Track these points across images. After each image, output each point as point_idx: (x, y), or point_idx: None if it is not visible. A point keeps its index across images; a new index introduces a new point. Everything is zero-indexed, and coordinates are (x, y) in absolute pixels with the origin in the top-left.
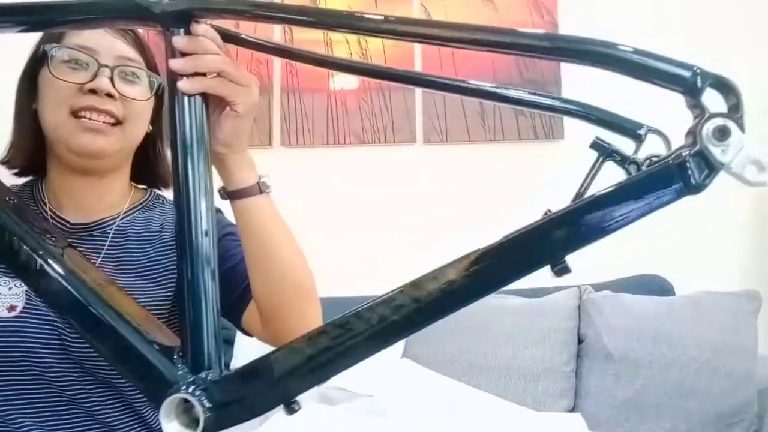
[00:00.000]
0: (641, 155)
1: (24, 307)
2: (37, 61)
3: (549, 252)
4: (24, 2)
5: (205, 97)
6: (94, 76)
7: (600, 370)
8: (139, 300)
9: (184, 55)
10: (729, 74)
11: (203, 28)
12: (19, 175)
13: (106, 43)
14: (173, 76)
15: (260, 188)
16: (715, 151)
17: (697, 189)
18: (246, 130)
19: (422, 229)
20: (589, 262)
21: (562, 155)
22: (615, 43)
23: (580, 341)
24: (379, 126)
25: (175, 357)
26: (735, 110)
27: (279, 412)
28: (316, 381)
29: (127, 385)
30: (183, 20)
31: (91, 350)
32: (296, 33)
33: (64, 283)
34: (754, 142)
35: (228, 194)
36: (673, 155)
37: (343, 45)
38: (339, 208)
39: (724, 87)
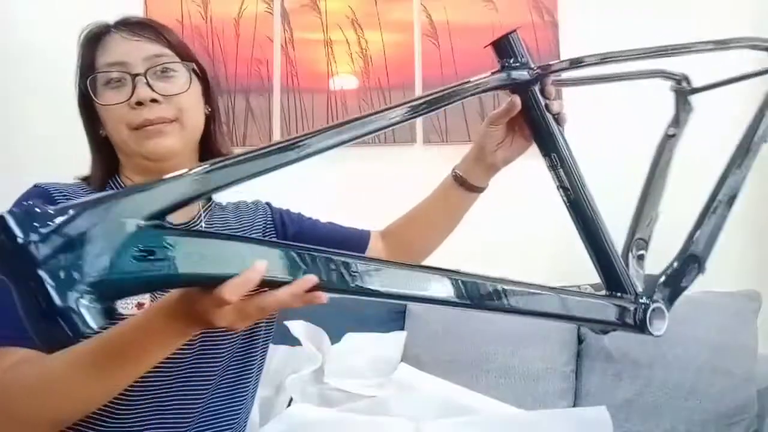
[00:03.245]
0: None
1: (150, 303)
2: (86, 96)
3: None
4: None
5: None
6: (134, 88)
7: (600, 370)
8: None
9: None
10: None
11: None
12: (98, 190)
13: (132, 49)
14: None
15: (485, 189)
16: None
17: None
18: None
19: None
20: (589, 262)
21: None
22: None
23: (580, 341)
24: None
25: (611, 294)
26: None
27: (279, 414)
28: None
29: (230, 375)
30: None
31: (218, 339)
32: (296, 33)
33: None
34: None
35: (467, 185)
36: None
37: (343, 45)
38: (339, 208)
39: None
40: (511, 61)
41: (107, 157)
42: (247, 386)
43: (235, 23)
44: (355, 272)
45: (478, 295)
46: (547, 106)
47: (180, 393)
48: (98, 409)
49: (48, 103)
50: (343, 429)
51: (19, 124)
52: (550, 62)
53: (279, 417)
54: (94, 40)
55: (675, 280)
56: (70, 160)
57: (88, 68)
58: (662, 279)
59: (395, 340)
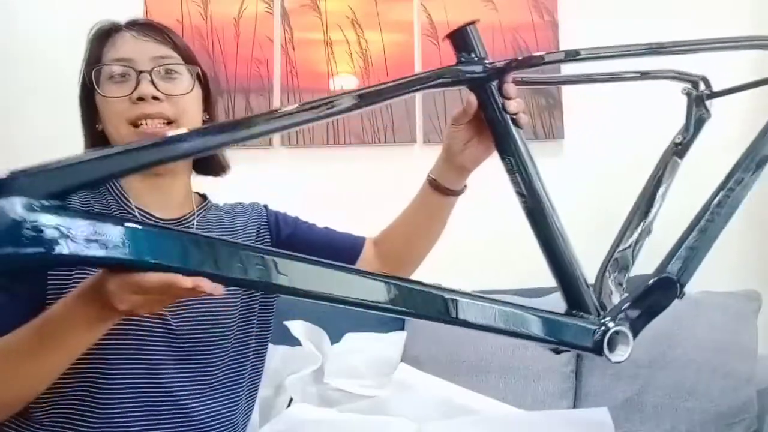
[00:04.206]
0: None
1: None
2: (88, 87)
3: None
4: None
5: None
6: (137, 84)
7: (600, 370)
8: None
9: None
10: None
11: (510, 79)
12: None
13: (140, 48)
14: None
15: (464, 190)
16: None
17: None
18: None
19: None
20: (589, 262)
21: (562, 155)
22: None
23: None
24: (379, 126)
25: (570, 312)
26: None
27: (279, 414)
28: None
29: (224, 375)
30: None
31: (193, 335)
32: (296, 33)
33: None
34: None
35: (442, 189)
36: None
37: (343, 45)
38: (339, 208)
39: None
40: (471, 55)
41: None
42: (240, 388)
43: (235, 23)
44: (259, 265)
45: (411, 302)
46: (504, 105)
47: (171, 394)
48: (81, 407)
49: (48, 103)
50: (343, 429)
51: (19, 125)
52: (512, 58)
53: (279, 417)
54: (103, 36)
55: (646, 303)
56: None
57: (94, 61)
58: (630, 301)
59: (395, 340)
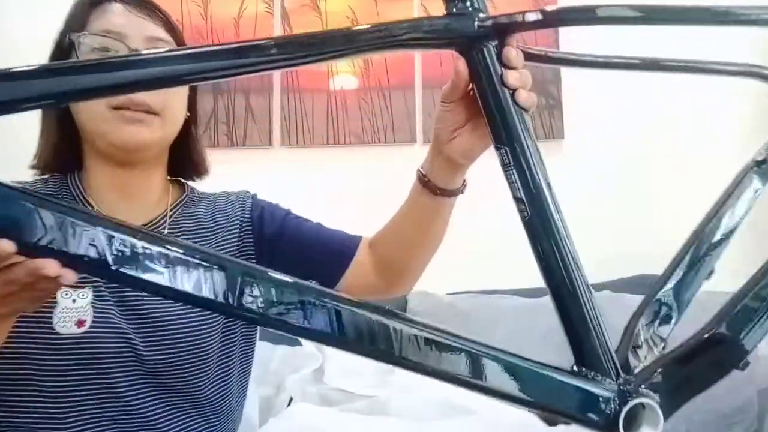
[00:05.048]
0: None
1: (93, 321)
2: (64, 52)
3: None
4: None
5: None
6: None
7: None
8: (203, 314)
9: (509, 68)
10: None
11: (515, 42)
12: (43, 172)
13: (133, 24)
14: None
15: (464, 187)
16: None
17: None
18: (486, 146)
19: None
20: (589, 262)
21: (562, 155)
22: None
23: None
24: (379, 126)
25: (575, 370)
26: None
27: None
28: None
29: (199, 399)
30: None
31: (168, 362)
32: (296, 32)
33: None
34: None
35: (432, 188)
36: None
37: None
38: (339, 208)
39: None
40: (465, 4)
41: (65, 140)
42: (228, 404)
43: (235, 23)
44: (119, 252)
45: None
46: (502, 76)
47: (146, 422)
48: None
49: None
50: (343, 429)
51: (7, 126)
52: (521, 12)
53: (279, 416)
54: (92, 3)
55: (690, 368)
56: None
57: (78, 28)
58: (667, 361)
59: None
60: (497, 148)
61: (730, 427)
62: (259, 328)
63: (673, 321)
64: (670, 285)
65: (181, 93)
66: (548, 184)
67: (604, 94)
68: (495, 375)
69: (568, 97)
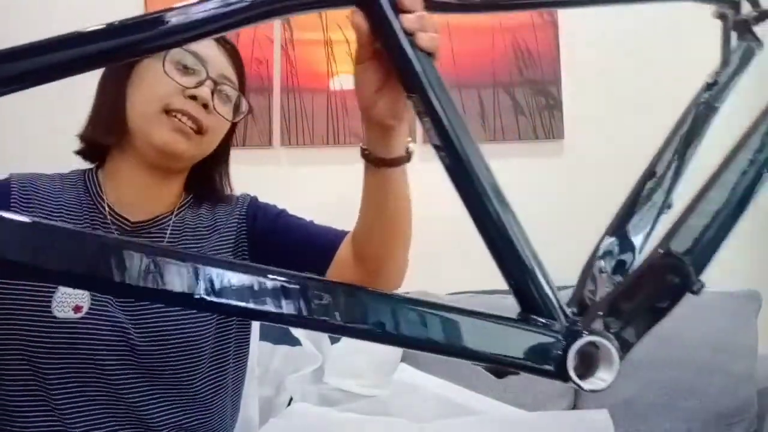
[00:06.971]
0: None
1: (90, 308)
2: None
3: None
4: None
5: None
6: (199, 85)
7: None
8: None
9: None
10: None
11: None
12: (82, 155)
13: (214, 55)
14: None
15: (409, 156)
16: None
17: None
18: None
19: (422, 229)
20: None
21: (562, 155)
22: None
23: None
24: None
25: (519, 318)
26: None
27: (279, 413)
28: None
29: (191, 393)
30: None
31: (160, 353)
32: (296, 33)
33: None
34: None
35: (372, 160)
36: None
37: (343, 45)
38: (339, 208)
39: None
40: None
41: (112, 116)
42: (222, 399)
43: None
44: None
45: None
46: (401, 22)
47: (137, 411)
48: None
49: (41, 103)
50: (343, 429)
51: (11, 124)
52: None
53: (279, 416)
54: None
55: (639, 299)
56: (63, 160)
57: None
58: (615, 296)
59: None
60: (409, 97)
61: (730, 427)
62: (256, 326)
63: (631, 259)
64: (627, 221)
65: (226, 125)
66: (462, 124)
67: (604, 94)
68: (436, 330)
69: (568, 97)
